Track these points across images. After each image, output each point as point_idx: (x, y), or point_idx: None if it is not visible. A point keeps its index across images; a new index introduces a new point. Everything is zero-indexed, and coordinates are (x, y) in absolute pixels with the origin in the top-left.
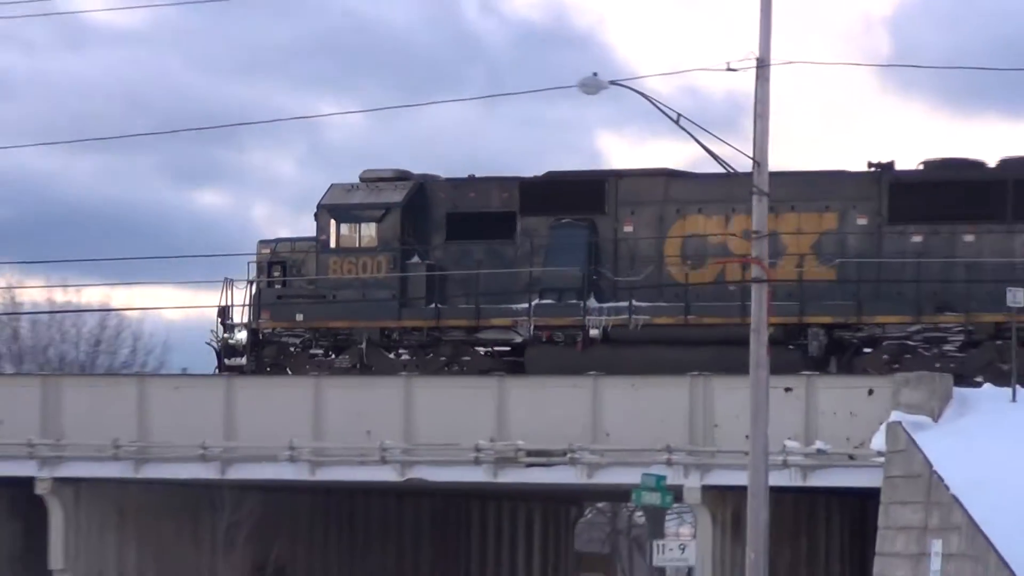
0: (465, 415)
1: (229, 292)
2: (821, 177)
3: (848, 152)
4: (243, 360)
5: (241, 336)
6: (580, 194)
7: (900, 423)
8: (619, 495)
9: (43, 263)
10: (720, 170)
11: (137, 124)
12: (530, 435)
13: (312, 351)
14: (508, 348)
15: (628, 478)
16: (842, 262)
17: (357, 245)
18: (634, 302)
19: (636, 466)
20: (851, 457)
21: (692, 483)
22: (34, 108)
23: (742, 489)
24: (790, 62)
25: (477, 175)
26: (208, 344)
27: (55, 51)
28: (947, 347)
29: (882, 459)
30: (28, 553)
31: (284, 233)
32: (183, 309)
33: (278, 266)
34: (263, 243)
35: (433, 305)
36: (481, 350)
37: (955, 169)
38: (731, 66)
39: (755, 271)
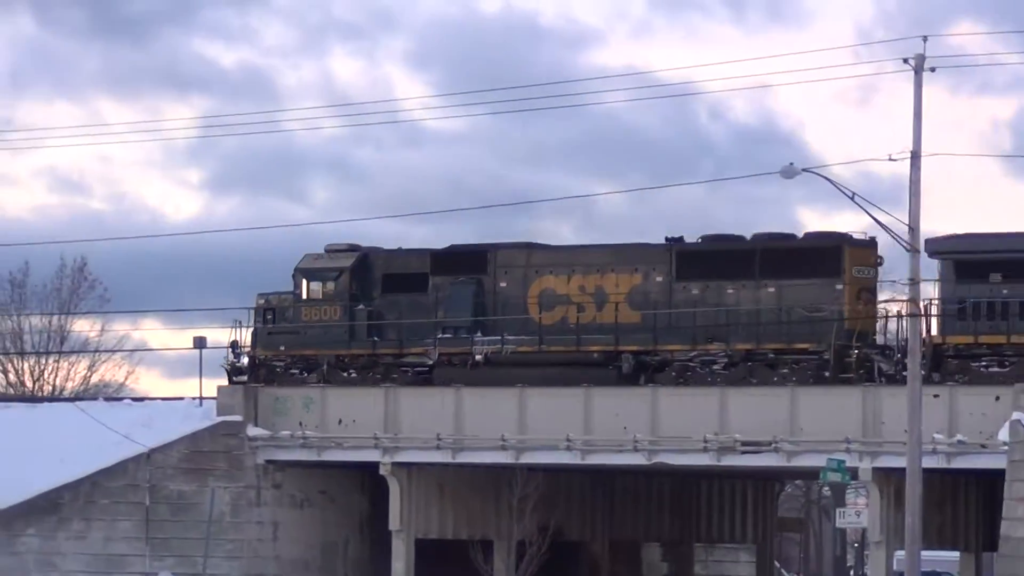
0: (695, 415)
1: (238, 330)
2: (633, 248)
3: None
4: (245, 378)
5: (244, 361)
6: (471, 261)
7: (1020, 420)
8: (810, 474)
9: None
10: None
11: (458, 202)
12: (744, 430)
13: (291, 371)
14: (424, 368)
15: (817, 462)
16: (645, 307)
17: (320, 297)
18: (505, 336)
19: (823, 453)
20: (983, 446)
21: (865, 465)
22: (382, 190)
23: (902, 470)
24: (935, 154)
25: (404, 247)
26: (222, 366)
27: (399, 148)
28: (715, 367)
29: (1007, 447)
30: (373, 518)
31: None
32: None
33: (270, 312)
34: (260, 296)
35: (372, 338)
36: (407, 370)
37: (722, 241)
38: (892, 157)
39: (911, 308)
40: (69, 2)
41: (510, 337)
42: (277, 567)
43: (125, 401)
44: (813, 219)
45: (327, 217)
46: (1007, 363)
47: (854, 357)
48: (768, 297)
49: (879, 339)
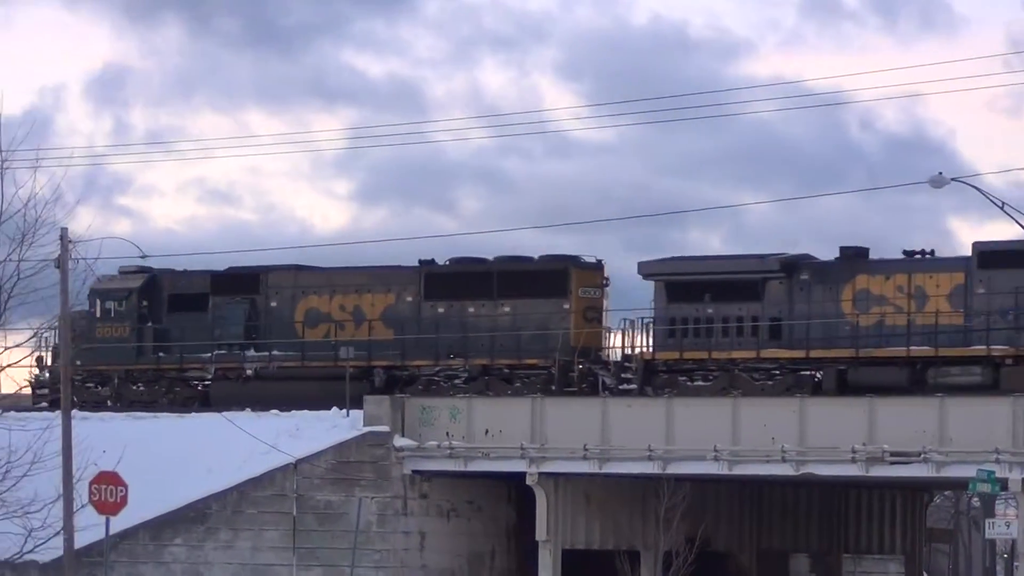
0: (843, 425)
1: (45, 346)
2: (388, 270)
3: None
4: (47, 391)
5: (47, 375)
6: (246, 282)
7: None
8: (959, 485)
9: None
10: None
11: (605, 211)
12: (892, 440)
13: (87, 384)
14: (206, 381)
15: (966, 472)
16: (396, 325)
17: (112, 316)
18: (273, 352)
19: (972, 464)
20: None
21: (1015, 476)
22: (529, 200)
23: None
24: None
25: (190, 269)
26: (27, 380)
27: (547, 158)
28: (456, 381)
29: None
30: (520, 528)
31: None
32: None
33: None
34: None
35: (158, 355)
36: (190, 384)
37: (466, 264)
38: None
39: None
40: (223, 13)
41: (277, 353)
42: None
43: (272, 411)
44: (964, 229)
45: (475, 227)
46: (710, 377)
47: (577, 372)
48: (504, 316)
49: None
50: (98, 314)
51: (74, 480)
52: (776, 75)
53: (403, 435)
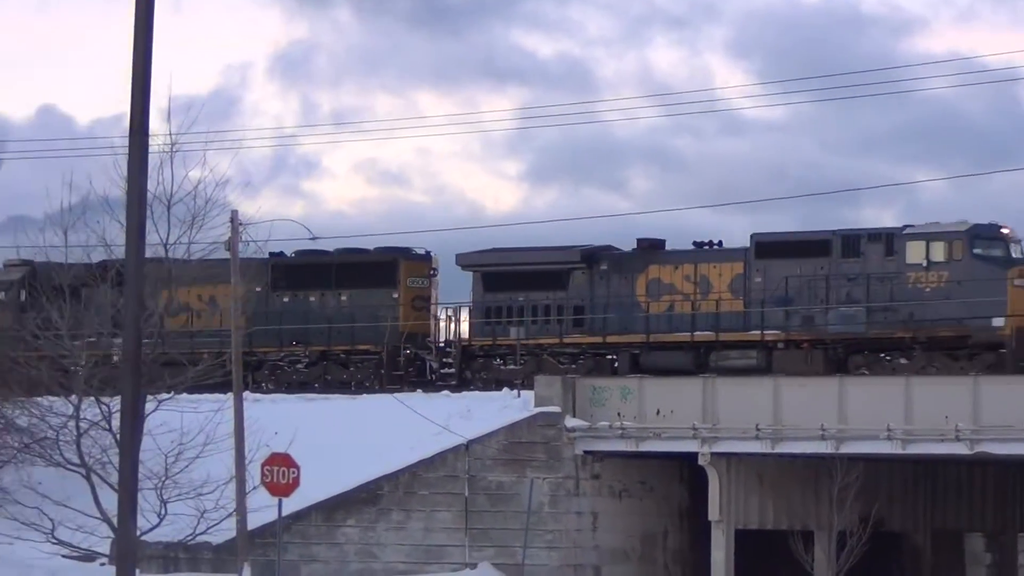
0: (1020, 402)
1: None
2: (240, 262)
3: None
4: None
5: None
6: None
7: None
8: None
9: None
10: None
11: (779, 191)
12: None
13: None
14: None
15: None
16: (248, 314)
17: None
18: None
19: None
20: None
21: None
22: (700, 179)
23: None
24: None
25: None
26: None
27: (718, 137)
28: (299, 365)
29: None
30: (692, 508)
31: None
32: None
33: None
34: None
35: (38, 341)
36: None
37: (310, 255)
38: None
39: None
40: None
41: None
42: (597, 557)
43: (443, 392)
44: None
45: (646, 207)
46: (520, 361)
47: (404, 357)
48: (341, 304)
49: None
50: None
51: (246, 462)
52: (951, 51)
53: (574, 415)
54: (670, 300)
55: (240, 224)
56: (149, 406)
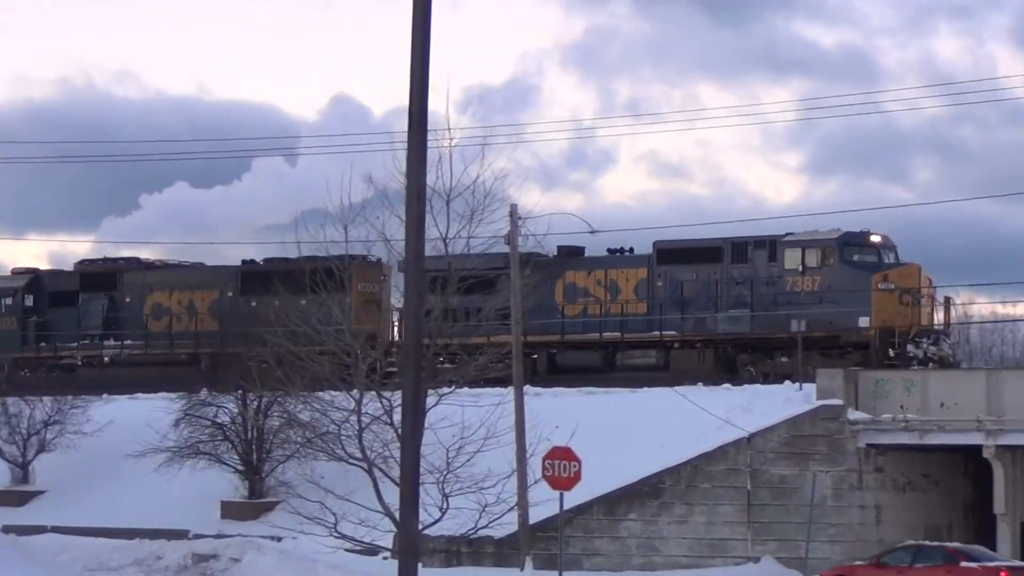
0: None
1: None
2: (214, 268)
3: None
4: None
5: None
6: (107, 280)
7: None
8: None
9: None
10: None
11: None
12: None
13: None
14: (77, 366)
15: None
16: (220, 317)
17: (3, 310)
18: (125, 342)
19: None
20: None
21: None
22: (985, 169)
23: None
24: None
25: (66, 270)
26: None
27: (1003, 127)
28: (264, 365)
29: None
30: (977, 502)
31: None
32: None
33: None
34: None
35: (40, 344)
36: (66, 369)
37: (276, 263)
38: None
39: None
40: None
41: (128, 343)
42: (880, 551)
43: (724, 386)
44: None
45: (927, 198)
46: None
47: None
48: (303, 307)
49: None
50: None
51: (527, 455)
52: None
53: (856, 408)
54: (584, 303)
55: (519, 218)
56: (430, 400)
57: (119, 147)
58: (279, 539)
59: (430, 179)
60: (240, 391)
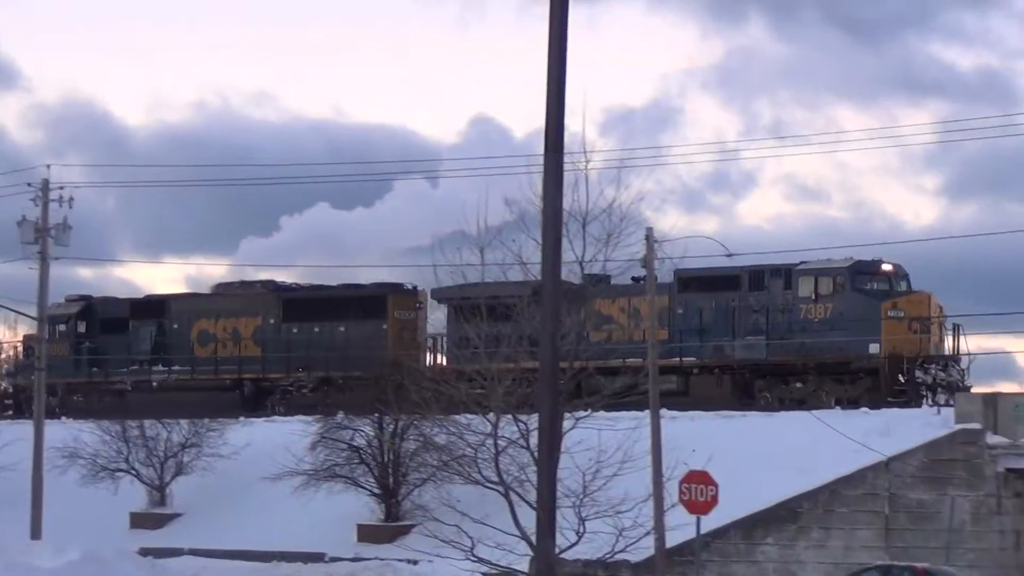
0: None
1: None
2: (256, 295)
3: None
4: (12, 402)
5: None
6: (156, 307)
7: None
8: None
9: None
10: None
11: None
12: None
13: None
14: (128, 391)
15: None
16: (262, 344)
17: (58, 337)
18: (173, 367)
19: None
20: None
21: None
22: None
23: None
24: None
25: (118, 297)
26: None
27: None
28: (304, 391)
29: None
30: None
31: None
32: None
33: (29, 348)
34: (25, 336)
35: (92, 369)
36: (117, 394)
37: (314, 290)
38: None
39: None
40: (806, 6)
41: (176, 368)
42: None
43: (862, 409)
44: None
45: None
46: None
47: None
48: (340, 335)
49: None
50: (56, 336)
51: (664, 479)
52: None
53: (995, 432)
54: (608, 330)
55: (655, 241)
56: (566, 424)
57: (258, 170)
58: (415, 562)
59: (566, 202)
60: (377, 414)
